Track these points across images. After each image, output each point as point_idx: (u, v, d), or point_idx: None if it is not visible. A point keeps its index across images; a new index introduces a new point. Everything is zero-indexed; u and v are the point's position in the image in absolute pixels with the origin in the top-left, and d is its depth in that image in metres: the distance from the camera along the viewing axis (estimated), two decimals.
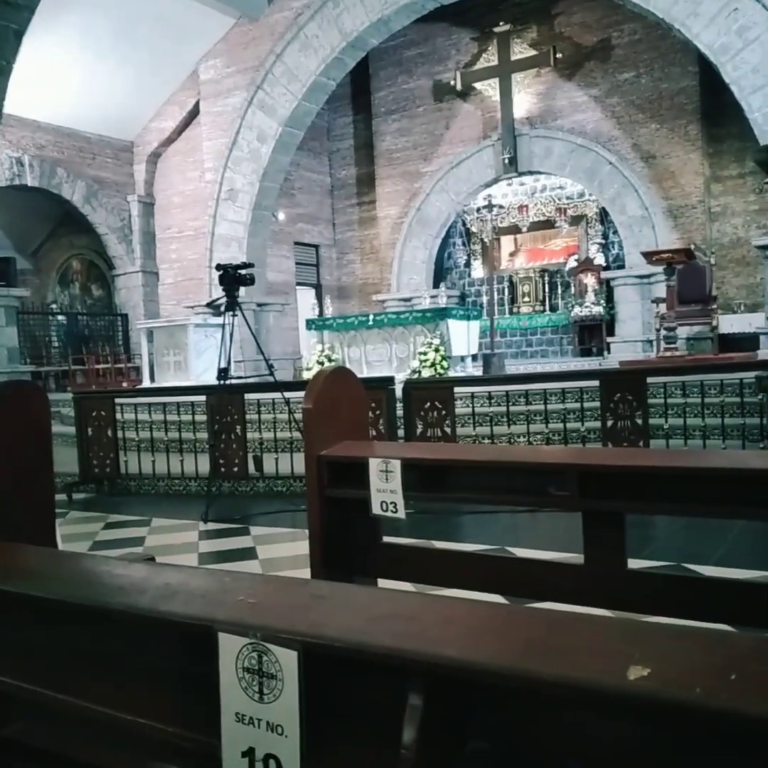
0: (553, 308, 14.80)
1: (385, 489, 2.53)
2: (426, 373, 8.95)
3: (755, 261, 12.03)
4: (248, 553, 4.75)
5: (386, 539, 2.91)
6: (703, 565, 3.80)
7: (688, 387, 6.35)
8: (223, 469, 6.57)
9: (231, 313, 6.16)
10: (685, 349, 10.74)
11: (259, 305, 13.62)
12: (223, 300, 6.22)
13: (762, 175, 9.08)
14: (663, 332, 9.86)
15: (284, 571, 4.14)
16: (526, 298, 15.02)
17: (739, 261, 12.66)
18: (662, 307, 10.69)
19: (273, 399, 6.88)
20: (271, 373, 6.46)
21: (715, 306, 11.13)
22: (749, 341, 11.10)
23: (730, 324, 11.86)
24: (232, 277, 6.18)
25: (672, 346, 9.49)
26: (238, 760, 1.08)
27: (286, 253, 15.72)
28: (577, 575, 2.52)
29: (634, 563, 2.89)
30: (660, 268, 10.70)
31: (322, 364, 9.64)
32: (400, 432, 6.25)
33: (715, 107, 12.27)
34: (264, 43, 13.25)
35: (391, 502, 2.54)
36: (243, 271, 6.28)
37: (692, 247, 10.69)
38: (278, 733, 1.04)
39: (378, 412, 6.08)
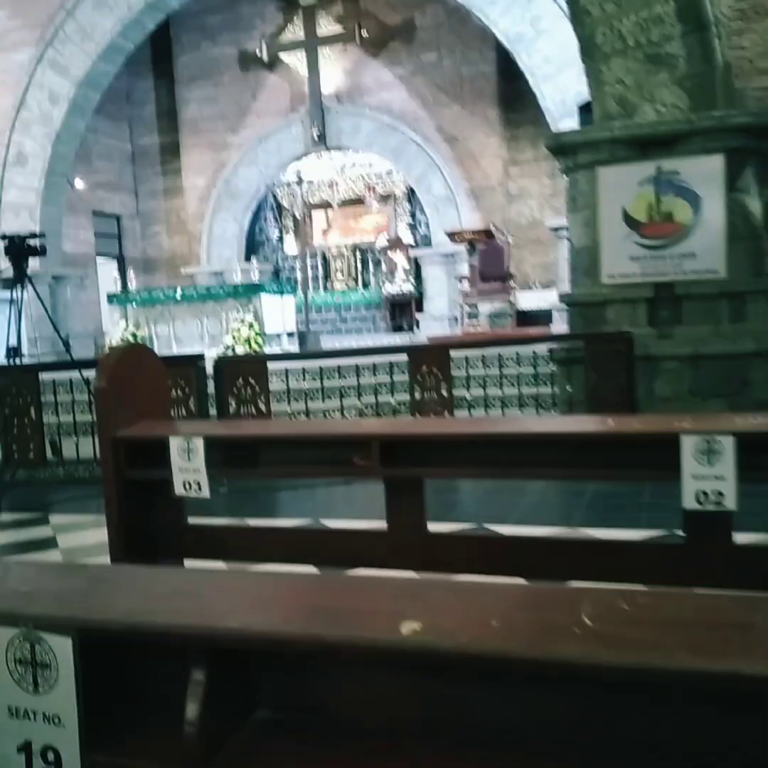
0: (366, 285, 15.06)
1: (188, 468, 2.46)
2: (240, 350, 8.80)
3: (549, 241, 12.90)
4: (48, 544, 4.46)
5: (195, 520, 2.84)
6: (503, 525, 4.04)
7: (488, 359, 6.71)
8: (17, 456, 6.10)
9: (20, 286, 5.72)
10: (486, 325, 11.34)
11: (55, 278, 12.74)
12: (10, 272, 5.76)
13: (555, 161, 9.72)
14: (466, 308, 10.36)
15: (88, 559, 3.93)
16: (340, 275, 15.16)
17: (534, 241, 13.51)
18: (466, 285, 11.21)
19: (71, 379, 6.47)
20: (68, 351, 6.08)
21: (513, 283, 11.81)
22: (544, 316, 11.93)
23: (527, 300, 12.66)
24: (20, 248, 5.73)
25: (474, 321, 10.00)
26: (14, 755, 1.02)
27: (85, 223, 14.78)
28: (383, 541, 2.60)
29: (440, 527, 3.02)
30: (463, 247, 11.21)
31: (126, 340, 9.21)
32: (213, 411, 6.11)
33: (512, 93, 12.94)
34: None
35: (195, 482, 2.47)
36: (32, 242, 5.84)
37: (492, 227, 11.26)
38: (55, 724, 0.99)
39: (187, 390, 5.89)
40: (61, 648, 0.94)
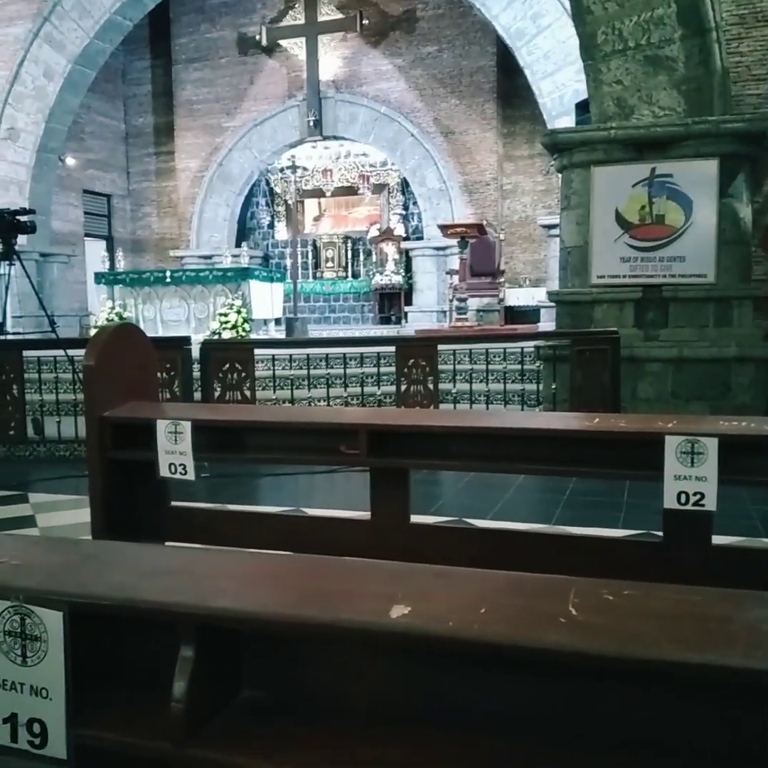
0: (356, 275, 15.03)
1: (174, 451, 2.46)
2: (227, 335, 8.76)
3: (540, 239, 12.93)
4: (26, 522, 4.43)
5: (178, 503, 2.84)
6: (482, 520, 4.06)
7: (475, 355, 6.72)
8: None
9: (7, 262, 5.68)
10: (475, 320, 11.34)
11: (43, 256, 12.62)
12: None
13: (549, 158, 9.75)
14: (455, 303, 10.35)
15: None
16: (330, 264, 15.11)
17: (526, 238, 13.53)
18: (456, 279, 11.21)
19: (55, 357, 6.43)
20: (53, 330, 6.04)
21: (502, 280, 11.83)
22: (532, 313, 11.96)
23: (516, 297, 12.68)
24: (9, 224, 5.68)
25: (463, 316, 10.00)
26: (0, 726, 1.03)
27: (74, 202, 14.64)
28: (365, 530, 2.62)
29: (420, 519, 3.04)
30: (455, 241, 11.20)
31: (112, 321, 9.15)
32: (198, 395, 6.08)
33: (510, 89, 12.93)
34: None
35: (181, 464, 2.47)
36: (22, 218, 5.79)
37: (484, 222, 11.25)
38: (43, 697, 0.99)
39: (173, 373, 5.86)
40: (52, 622, 0.95)
